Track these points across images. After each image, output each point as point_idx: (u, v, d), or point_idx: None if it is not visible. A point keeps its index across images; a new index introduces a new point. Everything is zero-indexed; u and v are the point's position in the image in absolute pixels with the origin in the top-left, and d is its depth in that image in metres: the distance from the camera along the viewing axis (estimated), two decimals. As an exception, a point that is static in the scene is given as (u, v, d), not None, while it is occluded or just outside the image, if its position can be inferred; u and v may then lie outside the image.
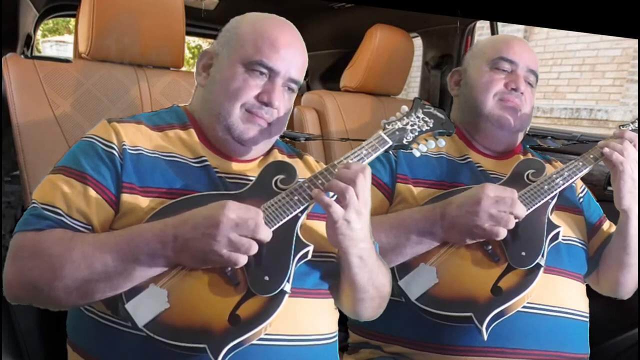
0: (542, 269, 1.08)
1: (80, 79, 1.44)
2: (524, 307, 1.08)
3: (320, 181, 0.93)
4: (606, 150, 1.15)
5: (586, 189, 1.34)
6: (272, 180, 0.95)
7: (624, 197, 1.14)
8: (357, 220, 0.91)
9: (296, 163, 1.09)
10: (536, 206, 1.12)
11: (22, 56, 1.49)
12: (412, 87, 4.05)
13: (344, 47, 2.65)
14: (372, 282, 1.00)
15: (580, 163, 1.17)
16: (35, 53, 2.63)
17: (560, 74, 5.97)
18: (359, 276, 0.97)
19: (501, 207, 1.05)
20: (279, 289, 0.88)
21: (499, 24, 2.13)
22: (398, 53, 2.05)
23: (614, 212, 1.20)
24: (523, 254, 1.09)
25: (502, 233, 1.05)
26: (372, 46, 1.99)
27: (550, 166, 1.33)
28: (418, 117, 1.08)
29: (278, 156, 1.09)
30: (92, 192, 0.91)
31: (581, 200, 1.30)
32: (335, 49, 2.79)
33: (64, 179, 0.92)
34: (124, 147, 0.95)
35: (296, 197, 0.91)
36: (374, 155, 0.99)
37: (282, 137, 1.24)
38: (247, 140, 1.00)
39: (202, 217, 0.84)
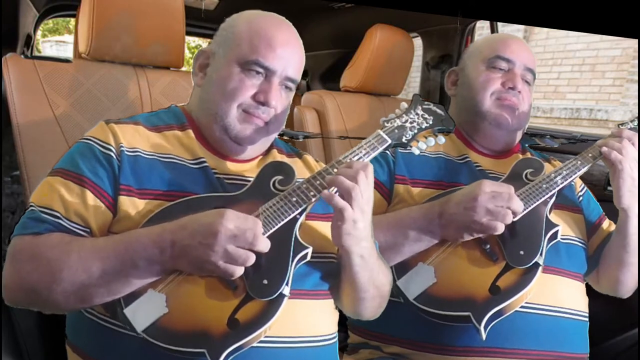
0: (540, 267, 1.08)
1: (80, 79, 1.44)
2: (523, 306, 1.08)
3: (318, 182, 0.92)
4: (605, 149, 1.15)
5: (585, 188, 1.33)
6: (270, 181, 0.95)
7: (623, 195, 1.14)
8: (361, 219, 0.91)
9: (295, 163, 1.09)
10: (535, 205, 1.12)
11: (22, 56, 1.49)
12: (412, 87, 4.04)
13: (344, 47, 2.65)
14: (373, 282, 1.00)
15: (579, 162, 1.17)
16: (35, 53, 2.63)
17: (560, 74, 5.97)
18: (359, 275, 0.97)
19: (498, 202, 1.05)
20: (278, 293, 0.88)
21: (499, 24, 2.12)
22: (398, 53, 2.05)
23: (614, 212, 1.20)
24: (521, 252, 1.09)
25: (500, 228, 1.05)
26: (372, 46, 1.99)
27: (549, 165, 1.33)
28: (417, 114, 1.07)
29: (277, 156, 1.09)
30: (89, 195, 0.91)
31: (580, 199, 1.30)
32: (335, 49, 2.79)
33: (62, 182, 0.92)
34: (122, 148, 0.95)
35: (294, 199, 0.91)
36: (373, 154, 0.99)
37: (280, 135, 1.24)
38: (245, 139, 1.00)
39: (200, 225, 0.83)
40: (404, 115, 1.06)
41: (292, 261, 0.90)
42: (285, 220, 0.90)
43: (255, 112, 0.98)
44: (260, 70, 0.98)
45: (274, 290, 0.88)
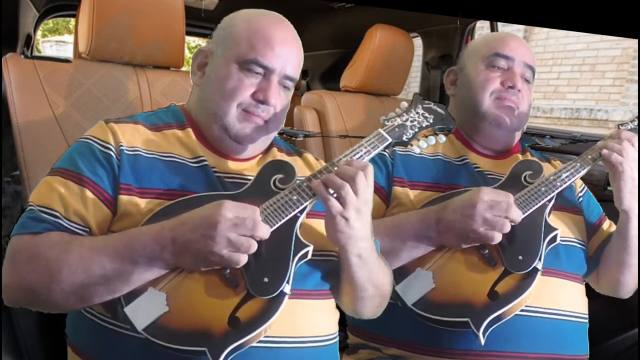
0: (539, 272, 1.08)
1: (80, 79, 1.44)
2: (522, 310, 1.08)
3: (318, 180, 0.92)
4: (605, 151, 1.14)
5: (585, 188, 1.33)
6: (270, 179, 0.94)
7: (624, 197, 1.14)
8: (356, 219, 0.90)
9: (295, 161, 1.08)
10: (533, 209, 1.11)
11: (22, 56, 1.49)
12: (412, 87, 4.04)
13: (344, 47, 2.65)
14: (372, 281, 1.00)
15: (579, 164, 1.16)
16: (35, 53, 2.63)
17: (560, 74, 5.97)
18: (358, 275, 0.97)
19: (496, 211, 1.04)
20: (279, 291, 0.88)
21: (499, 24, 2.13)
22: (398, 53, 2.05)
23: (614, 212, 1.20)
24: (520, 257, 1.08)
25: (497, 237, 1.04)
26: (372, 46, 1.99)
27: (549, 165, 1.32)
28: (418, 112, 1.06)
29: (277, 155, 1.09)
30: (89, 194, 0.91)
31: (580, 199, 1.29)
32: (335, 49, 2.79)
33: (61, 181, 0.92)
34: (121, 148, 0.95)
35: (295, 197, 0.91)
36: (374, 153, 0.98)
37: (280, 134, 1.23)
38: (244, 138, 1.00)
39: (200, 218, 0.83)
40: (404, 114, 1.05)
41: (293, 259, 0.90)
42: (286, 218, 0.90)
43: (254, 110, 0.98)
44: (259, 69, 0.98)
45: (274, 288, 0.88)
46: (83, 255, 0.84)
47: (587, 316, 1.20)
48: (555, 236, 1.12)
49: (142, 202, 0.92)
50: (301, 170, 1.06)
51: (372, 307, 1.05)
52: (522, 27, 5.77)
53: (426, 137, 1.06)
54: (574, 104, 5.84)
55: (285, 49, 0.99)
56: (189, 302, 0.86)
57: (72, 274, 0.83)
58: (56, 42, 8.26)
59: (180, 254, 0.84)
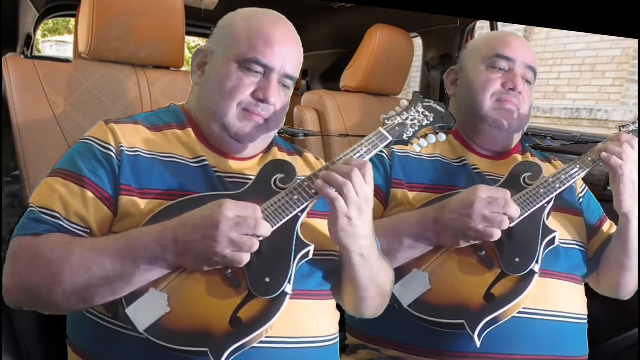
0: (536, 275, 1.07)
1: (80, 79, 1.44)
2: (520, 312, 1.07)
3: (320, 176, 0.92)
4: (604, 154, 1.13)
5: (586, 189, 1.32)
6: (271, 179, 0.94)
7: (624, 200, 1.13)
8: (358, 217, 0.90)
9: (296, 161, 1.08)
10: (532, 210, 1.10)
11: (22, 56, 1.49)
12: (412, 87, 4.05)
13: (344, 47, 2.65)
14: (374, 281, 1.00)
15: (578, 166, 1.15)
16: (35, 53, 2.63)
17: (560, 74, 5.97)
18: (360, 274, 0.97)
19: (494, 208, 1.03)
20: (280, 291, 0.88)
21: (499, 24, 2.13)
22: (398, 53, 2.05)
23: (614, 212, 1.20)
24: (517, 260, 1.07)
25: (497, 234, 1.04)
26: (372, 46, 1.99)
27: (549, 165, 1.31)
28: (418, 111, 1.05)
29: (278, 154, 1.08)
30: (90, 195, 0.91)
31: (581, 200, 1.29)
32: (335, 49, 2.79)
33: (62, 182, 0.92)
34: (122, 148, 0.95)
35: (296, 197, 0.90)
36: (374, 152, 0.98)
37: (280, 133, 1.23)
38: (245, 137, 1.00)
39: (200, 219, 0.83)
40: (404, 112, 1.05)
41: (294, 259, 0.90)
42: (287, 218, 0.90)
43: (254, 109, 0.98)
44: (259, 68, 0.98)
45: (276, 288, 0.88)
46: (84, 257, 0.84)
47: (586, 317, 1.19)
48: (554, 238, 1.11)
49: (143, 203, 0.92)
50: (302, 170, 1.06)
51: (373, 306, 1.05)
52: (522, 27, 5.77)
53: (426, 135, 1.06)
54: (574, 104, 5.84)
55: (284, 48, 0.99)
56: (191, 303, 0.86)
57: (74, 275, 0.83)
58: (56, 42, 8.26)
59: (182, 254, 0.84)
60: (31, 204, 0.92)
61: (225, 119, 0.98)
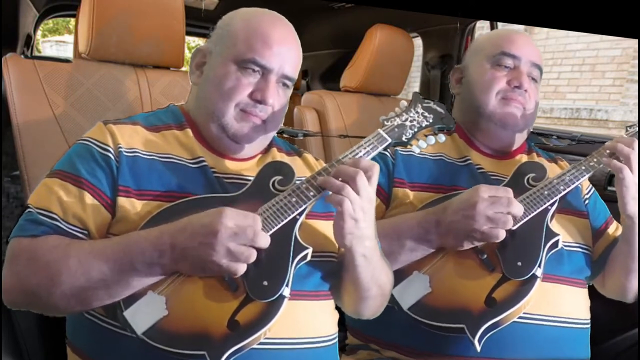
0: (538, 279, 1.06)
1: (80, 79, 1.44)
2: (522, 317, 1.06)
3: (318, 182, 0.92)
4: (605, 159, 1.12)
5: (593, 190, 1.29)
6: (269, 181, 0.94)
7: (627, 203, 1.11)
8: (363, 219, 0.90)
9: (295, 161, 1.08)
10: (535, 213, 1.09)
11: (22, 56, 1.49)
12: (412, 87, 4.04)
13: (344, 47, 2.65)
14: (375, 281, 0.99)
15: (583, 167, 1.14)
16: (35, 53, 2.63)
17: (560, 74, 5.97)
18: (362, 275, 0.97)
19: (498, 207, 1.02)
20: (278, 294, 0.87)
21: (499, 24, 2.12)
22: (398, 53, 2.05)
23: (615, 213, 1.19)
24: (519, 264, 1.06)
25: (502, 234, 1.03)
26: (372, 46, 1.99)
27: (555, 166, 1.30)
28: (417, 112, 1.05)
29: (277, 155, 1.08)
30: (88, 197, 0.90)
31: (587, 202, 1.26)
32: (335, 49, 2.79)
33: (60, 183, 0.92)
34: (120, 149, 0.94)
35: (294, 199, 0.90)
36: (373, 154, 0.98)
37: (280, 133, 1.23)
38: (242, 138, 0.99)
39: (200, 226, 0.83)
40: (404, 113, 1.04)
41: (292, 262, 0.90)
42: (285, 221, 0.89)
43: (252, 110, 0.98)
44: (257, 68, 0.97)
45: (274, 291, 0.87)
46: (82, 260, 0.84)
47: (588, 321, 1.18)
48: (557, 242, 1.10)
49: (141, 204, 0.92)
50: (301, 171, 1.06)
51: (373, 307, 1.04)
52: (522, 27, 5.77)
53: (426, 136, 1.05)
54: (574, 104, 5.84)
55: (283, 48, 0.99)
56: (189, 306, 0.86)
57: (72, 278, 0.83)
58: (56, 42, 8.27)
59: (178, 260, 0.84)
60: (29, 205, 0.91)
61: (223, 119, 0.98)
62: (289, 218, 0.89)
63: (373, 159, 0.97)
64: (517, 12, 1.60)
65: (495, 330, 1.04)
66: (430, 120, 1.05)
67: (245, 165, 1.04)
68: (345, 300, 1.05)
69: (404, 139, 1.02)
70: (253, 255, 0.83)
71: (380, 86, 2.07)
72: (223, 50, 0.99)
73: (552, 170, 1.22)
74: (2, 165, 1.47)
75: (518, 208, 1.04)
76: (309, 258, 0.92)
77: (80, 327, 0.94)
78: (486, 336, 1.04)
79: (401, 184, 1.18)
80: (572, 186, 1.13)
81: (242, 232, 0.82)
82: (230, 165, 1.02)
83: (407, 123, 1.03)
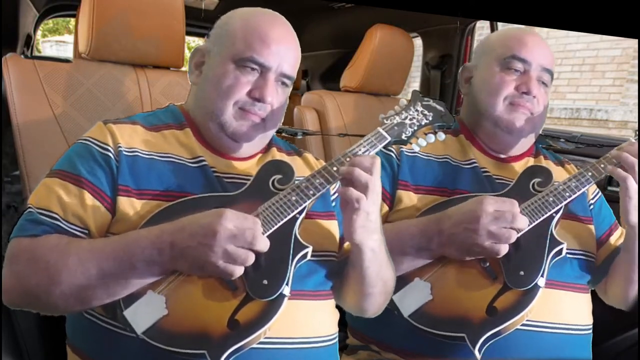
0: (541, 289, 1.05)
1: (80, 79, 1.44)
2: (523, 324, 1.05)
3: (318, 180, 0.91)
4: (609, 167, 1.10)
5: (599, 194, 1.26)
6: (269, 180, 0.94)
7: (629, 212, 1.09)
8: (374, 212, 0.91)
9: (295, 161, 1.08)
10: (539, 220, 1.07)
11: (22, 56, 1.49)
12: (412, 87, 4.04)
13: (344, 47, 2.66)
14: (381, 276, 0.99)
15: (589, 173, 1.10)
16: (35, 53, 2.63)
17: (560, 74, 5.96)
18: (370, 270, 0.97)
19: (501, 223, 0.99)
20: (278, 293, 0.87)
21: (499, 24, 2.12)
22: (398, 53, 2.05)
23: (616, 214, 1.18)
24: (521, 273, 1.04)
25: (504, 250, 1.01)
26: (372, 46, 1.99)
27: (562, 169, 1.27)
28: (417, 110, 1.04)
29: (276, 154, 1.08)
30: (88, 196, 0.91)
31: (592, 207, 1.23)
32: (335, 49, 2.79)
33: (60, 183, 0.92)
34: (120, 149, 0.94)
35: (294, 198, 0.90)
36: (373, 152, 0.97)
37: (279, 132, 1.23)
38: (241, 136, 0.99)
39: (199, 226, 0.83)
40: (403, 112, 1.03)
41: (292, 261, 0.90)
42: (285, 220, 0.89)
43: (251, 109, 0.98)
44: (255, 66, 0.97)
45: (274, 290, 0.88)
46: (82, 258, 0.84)
47: (591, 327, 1.17)
48: (561, 250, 1.08)
49: (141, 204, 0.92)
50: (300, 170, 1.06)
51: (377, 303, 1.04)
52: (522, 27, 5.77)
53: (426, 134, 1.04)
54: (574, 104, 5.84)
55: (281, 47, 0.99)
56: (189, 305, 0.86)
57: (71, 277, 0.83)
58: (56, 42, 8.27)
59: (177, 259, 0.84)
60: (29, 205, 0.91)
61: (221, 118, 0.98)
62: (289, 217, 0.89)
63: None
64: (517, 12, 1.60)
65: (496, 339, 1.03)
66: (430, 118, 1.04)
67: (245, 164, 1.04)
68: (349, 298, 1.05)
69: (403, 137, 1.01)
70: (251, 258, 0.83)
71: (380, 86, 2.07)
72: (222, 50, 0.99)
73: (559, 173, 1.21)
74: (2, 165, 1.47)
75: (522, 222, 1.01)
76: (309, 257, 0.92)
77: (80, 328, 0.94)
78: (486, 345, 1.03)
79: (405, 186, 1.16)
80: (579, 192, 1.10)
81: (241, 235, 0.82)
82: (230, 164, 1.02)
83: (407, 121, 1.03)
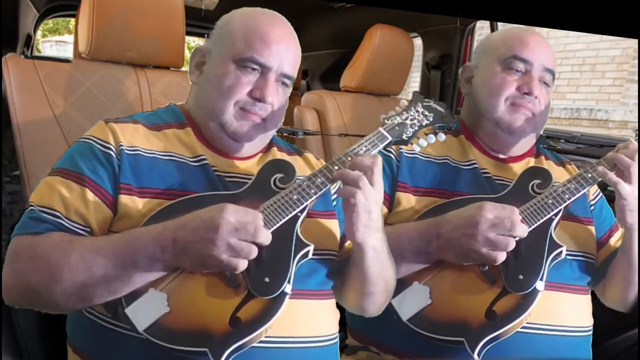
0: (540, 293, 1.04)
1: (80, 79, 1.44)
2: (523, 327, 1.05)
3: (319, 179, 0.92)
4: (600, 169, 1.09)
5: (600, 195, 1.26)
6: (270, 179, 0.94)
7: (625, 215, 1.09)
8: (375, 210, 0.91)
9: (295, 161, 1.08)
10: (538, 223, 1.06)
11: (22, 56, 1.49)
12: (412, 87, 4.05)
13: (344, 47, 2.66)
14: (383, 275, 1.00)
15: (589, 175, 1.09)
16: (35, 53, 2.63)
17: (560, 74, 5.96)
18: (372, 269, 0.97)
19: (500, 230, 0.99)
20: (280, 291, 0.88)
21: (499, 24, 2.13)
22: (398, 53, 2.05)
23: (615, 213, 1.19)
24: (520, 277, 1.04)
25: (501, 257, 1.00)
26: (372, 46, 1.99)
27: (563, 170, 1.27)
28: (417, 111, 1.05)
29: (277, 154, 1.08)
30: (90, 194, 0.91)
31: (592, 208, 1.23)
32: (335, 49, 2.79)
33: (62, 181, 0.92)
34: (121, 147, 0.95)
35: (295, 196, 0.90)
36: (374, 152, 0.98)
37: (279, 132, 1.23)
38: (242, 136, 1.00)
39: (201, 221, 0.83)
40: (404, 112, 1.04)
41: (294, 259, 0.90)
42: (287, 218, 0.90)
43: (251, 109, 0.98)
44: (256, 66, 0.98)
45: (275, 288, 0.88)
46: (84, 256, 0.84)
47: (591, 328, 1.16)
48: (560, 253, 1.07)
49: (142, 202, 0.92)
50: (301, 170, 1.06)
51: (378, 302, 1.04)
52: (522, 27, 5.77)
53: (426, 135, 1.05)
54: (574, 104, 5.84)
55: (282, 47, 0.99)
56: (190, 303, 0.86)
57: (73, 274, 0.83)
58: (56, 42, 8.26)
59: (180, 255, 0.84)
60: (31, 203, 0.92)
61: (222, 117, 0.98)
62: (290, 215, 0.90)
63: None
64: (517, 12, 1.60)
65: (495, 342, 1.03)
66: (431, 119, 1.05)
67: (245, 163, 1.04)
68: (350, 297, 1.05)
69: (404, 137, 1.02)
70: (254, 251, 0.83)
71: (380, 86, 2.07)
72: (222, 49, 1.00)
73: (560, 174, 1.20)
74: (2, 165, 1.47)
75: (522, 230, 1.01)
76: (310, 255, 0.92)
77: (81, 327, 0.94)
78: (486, 349, 1.03)
79: (404, 188, 1.16)
80: (578, 194, 1.09)
81: (243, 228, 0.82)
82: (231, 163, 1.02)
83: (408, 122, 1.03)
